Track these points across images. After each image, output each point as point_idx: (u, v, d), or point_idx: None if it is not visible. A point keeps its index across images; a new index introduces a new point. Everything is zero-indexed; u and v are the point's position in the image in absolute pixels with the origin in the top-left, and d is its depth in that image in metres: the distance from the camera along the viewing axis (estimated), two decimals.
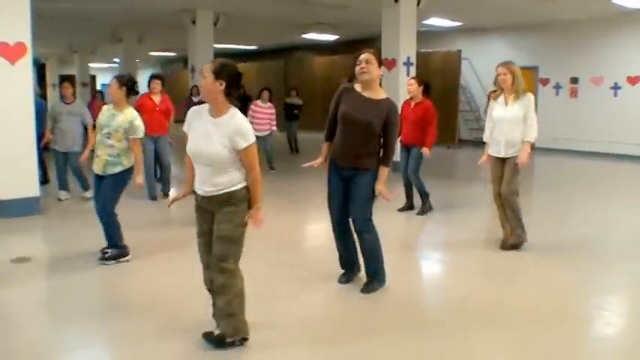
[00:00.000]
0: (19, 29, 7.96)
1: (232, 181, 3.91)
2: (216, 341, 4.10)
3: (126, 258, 6.15)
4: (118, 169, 5.99)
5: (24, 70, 8.10)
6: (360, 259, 5.44)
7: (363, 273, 5.49)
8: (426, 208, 8.63)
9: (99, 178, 6.09)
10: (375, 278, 5.31)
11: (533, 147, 6.71)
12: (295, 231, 8.03)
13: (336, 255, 5.59)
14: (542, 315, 4.84)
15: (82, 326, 4.60)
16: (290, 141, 16.63)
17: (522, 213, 6.71)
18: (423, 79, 8.86)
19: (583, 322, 4.86)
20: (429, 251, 7.09)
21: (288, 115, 16.48)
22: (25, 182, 8.18)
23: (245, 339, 4.13)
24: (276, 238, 7.07)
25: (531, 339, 4.39)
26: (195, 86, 14.91)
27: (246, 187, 3.96)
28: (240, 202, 3.94)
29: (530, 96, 6.50)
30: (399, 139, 7.35)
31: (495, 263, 6.42)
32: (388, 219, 7.65)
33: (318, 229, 8.02)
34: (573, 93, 16.76)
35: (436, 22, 16.53)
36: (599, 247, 7.08)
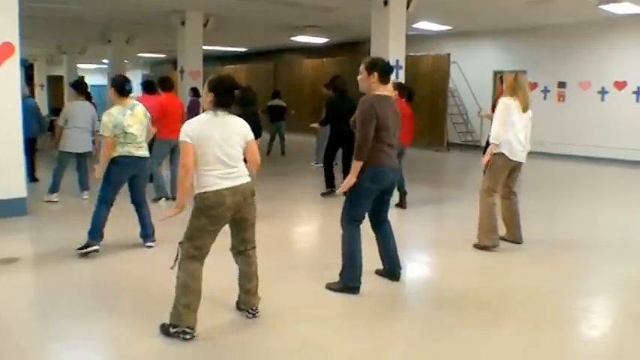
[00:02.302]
0: (6, 29, 7.90)
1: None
2: (161, 330, 4.34)
3: (92, 248, 6.28)
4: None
5: (11, 70, 8.04)
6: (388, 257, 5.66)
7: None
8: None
9: None
10: (341, 276, 5.34)
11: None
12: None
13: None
14: (528, 316, 4.87)
15: (70, 326, 4.58)
16: (272, 143, 16.45)
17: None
18: (402, 85, 9.40)
19: (568, 325, 4.87)
20: (417, 251, 7.10)
21: (272, 117, 16.38)
22: (12, 183, 8.12)
23: (186, 332, 4.22)
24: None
25: (516, 339, 4.42)
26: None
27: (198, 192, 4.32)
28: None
29: (501, 99, 6.80)
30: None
31: (482, 264, 6.45)
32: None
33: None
34: (561, 97, 16.87)
35: (425, 25, 16.60)
36: (586, 249, 7.12)
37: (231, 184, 4.30)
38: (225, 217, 4.35)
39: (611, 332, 4.81)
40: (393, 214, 8.67)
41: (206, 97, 4.38)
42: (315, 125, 10.81)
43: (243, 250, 4.61)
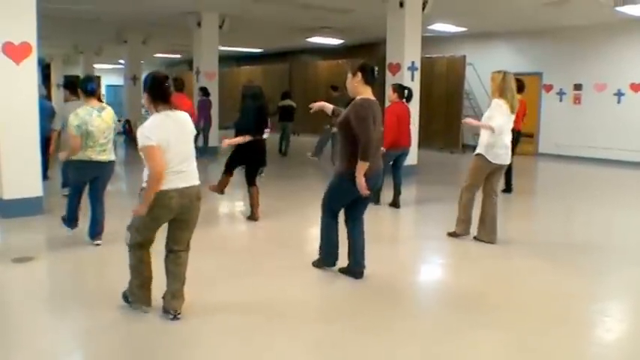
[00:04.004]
0: (24, 29, 7.98)
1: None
2: (123, 296, 4.82)
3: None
4: None
5: (29, 69, 8.11)
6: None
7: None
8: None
9: None
10: (320, 254, 5.94)
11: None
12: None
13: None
14: (543, 319, 4.84)
15: (84, 325, 4.61)
16: (282, 141, 16.61)
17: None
18: (402, 86, 9.42)
19: (584, 328, 4.85)
20: (429, 253, 7.09)
21: (281, 117, 16.42)
22: (28, 182, 8.19)
23: (143, 309, 4.69)
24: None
25: (532, 342, 4.40)
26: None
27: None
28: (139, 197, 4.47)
29: (494, 100, 6.91)
30: None
31: (495, 266, 6.43)
32: (387, 218, 7.69)
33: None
34: (577, 99, 16.75)
35: (441, 27, 16.54)
36: (602, 252, 7.08)
37: (180, 185, 4.39)
38: (166, 217, 4.49)
39: (627, 336, 4.78)
40: (399, 214, 8.79)
41: (145, 101, 4.47)
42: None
43: (175, 249, 4.66)
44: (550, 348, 4.33)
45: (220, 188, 8.51)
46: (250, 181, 8.18)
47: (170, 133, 4.33)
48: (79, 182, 6.66)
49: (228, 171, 8.34)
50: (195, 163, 4.56)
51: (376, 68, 5.57)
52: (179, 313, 4.60)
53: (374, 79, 5.49)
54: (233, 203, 9.70)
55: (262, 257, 6.60)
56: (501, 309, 5.11)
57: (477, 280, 5.97)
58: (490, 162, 6.88)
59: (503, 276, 6.17)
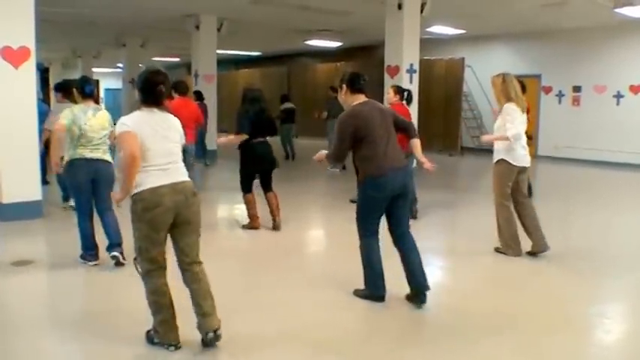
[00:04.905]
0: (22, 33, 7.99)
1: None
2: (147, 338, 4.31)
3: (90, 263, 6.23)
4: None
5: (27, 74, 8.12)
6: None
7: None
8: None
9: None
10: (365, 285, 5.30)
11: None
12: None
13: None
14: (543, 322, 4.83)
15: (83, 329, 4.59)
16: (285, 145, 16.40)
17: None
18: (400, 87, 9.29)
19: (583, 330, 4.85)
20: (432, 257, 7.07)
21: (285, 120, 16.28)
22: (27, 186, 8.19)
23: (170, 346, 4.17)
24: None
25: (532, 345, 4.39)
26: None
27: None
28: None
29: (506, 105, 6.57)
30: None
31: (497, 270, 6.43)
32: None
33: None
34: (576, 101, 16.77)
35: (440, 29, 16.57)
36: (601, 255, 7.07)
37: (170, 180, 4.09)
38: (166, 220, 4.08)
39: (626, 337, 4.78)
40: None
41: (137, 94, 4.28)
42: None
43: (188, 263, 4.23)
44: (551, 350, 4.33)
45: (255, 222, 7.89)
46: (266, 187, 7.84)
47: (152, 127, 4.10)
48: (77, 185, 6.22)
49: (247, 189, 7.80)
50: (182, 164, 4.30)
51: (361, 73, 5.37)
52: (218, 329, 4.14)
53: (360, 83, 5.27)
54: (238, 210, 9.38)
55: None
56: (502, 312, 5.09)
57: (478, 284, 5.97)
58: (513, 165, 6.58)
59: (504, 279, 6.16)
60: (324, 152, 5.38)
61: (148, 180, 4.03)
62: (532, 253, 6.71)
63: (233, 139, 7.65)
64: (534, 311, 5.11)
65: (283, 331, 4.59)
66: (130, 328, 4.52)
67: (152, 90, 4.16)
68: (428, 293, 5.13)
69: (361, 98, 5.22)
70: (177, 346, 4.16)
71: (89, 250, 6.25)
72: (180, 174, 4.21)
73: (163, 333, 4.18)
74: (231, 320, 4.40)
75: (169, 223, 4.11)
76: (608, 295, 5.79)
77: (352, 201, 9.58)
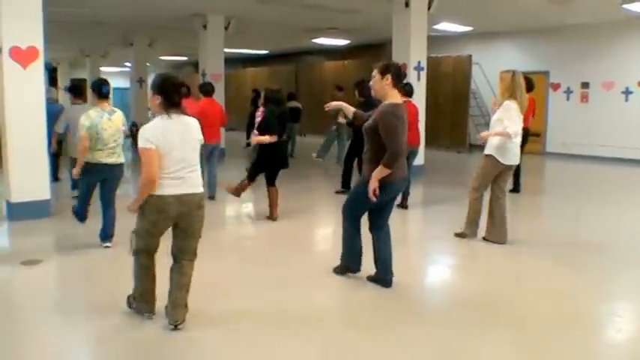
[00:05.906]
0: (31, 33, 8.01)
1: None
2: (127, 302, 4.81)
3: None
4: None
5: (36, 73, 8.14)
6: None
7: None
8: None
9: None
10: (342, 259, 5.77)
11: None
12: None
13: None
14: (553, 319, 4.82)
15: (92, 327, 4.61)
16: (288, 142, 16.44)
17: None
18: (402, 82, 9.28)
19: (594, 328, 4.83)
20: (434, 252, 7.08)
21: (291, 118, 16.32)
22: (36, 185, 8.22)
23: (145, 315, 4.64)
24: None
25: (542, 342, 4.37)
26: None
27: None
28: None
29: (506, 102, 6.75)
30: None
31: (505, 266, 6.42)
32: (395, 219, 7.64)
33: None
34: (584, 98, 16.69)
35: (447, 27, 16.53)
36: (611, 252, 7.03)
37: (179, 191, 4.27)
38: (165, 223, 4.39)
39: (637, 336, 4.75)
40: (407, 215, 8.77)
41: (153, 100, 4.31)
42: (342, 120, 11.01)
43: (179, 258, 4.52)
44: (561, 348, 4.31)
45: (238, 192, 8.59)
46: (270, 182, 8.24)
47: (173, 137, 4.21)
48: (89, 184, 6.70)
49: (252, 178, 8.39)
50: (199, 172, 4.43)
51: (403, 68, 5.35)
52: (179, 324, 4.42)
53: (402, 81, 5.30)
54: (250, 204, 9.69)
55: (280, 260, 6.58)
56: (511, 309, 5.08)
57: (488, 280, 5.95)
58: (500, 163, 6.81)
59: (513, 276, 6.15)
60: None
61: (159, 187, 4.22)
62: (487, 240, 7.09)
63: (267, 139, 7.96)
64: (543, 308, 5.10)
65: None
66: (139, 321, 4.55)
67: (175, 91, 4.31)
68: (437, 288, 5.28)
69: (398, 96, 5.22)
70: (151, 314, 4.63)
71: (80, 216, 7.03)
72: (191, 185, 4.36)
73: (142, 302, 4.63)
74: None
75: (170, 226, 4.44)
76: (620, 292, 5.77)
77: (338, 192, 10.18)
